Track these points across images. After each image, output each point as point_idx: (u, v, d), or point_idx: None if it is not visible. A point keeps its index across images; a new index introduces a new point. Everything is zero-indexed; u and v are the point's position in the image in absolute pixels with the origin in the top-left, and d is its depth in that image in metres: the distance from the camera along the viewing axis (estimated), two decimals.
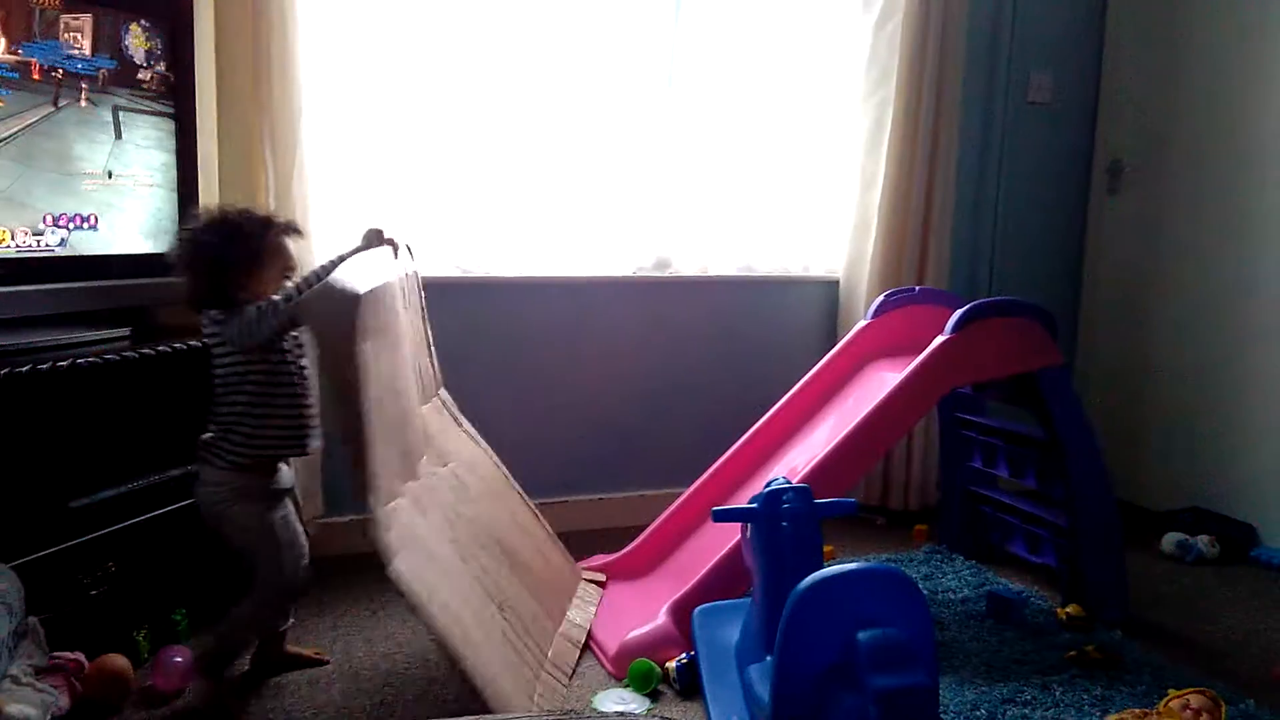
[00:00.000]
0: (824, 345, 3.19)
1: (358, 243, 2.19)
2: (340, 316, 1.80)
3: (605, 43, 3.07)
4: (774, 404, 2.83)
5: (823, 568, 1.66)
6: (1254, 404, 3.17)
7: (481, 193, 2.98)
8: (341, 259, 2.08)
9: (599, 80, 3.08)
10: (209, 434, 2.01)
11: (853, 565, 1.64)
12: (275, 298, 1.94)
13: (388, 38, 2.82)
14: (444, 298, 2.92)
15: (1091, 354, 3.77)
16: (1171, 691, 1.98)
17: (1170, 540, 3.10)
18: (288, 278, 2.03)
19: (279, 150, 2.59)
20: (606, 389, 3.16)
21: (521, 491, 2.61)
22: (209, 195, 2.50)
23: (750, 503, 1.97)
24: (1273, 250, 3.12)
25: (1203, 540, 3.06)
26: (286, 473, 2.10)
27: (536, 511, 2.62)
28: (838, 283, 3.41)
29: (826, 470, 2.33)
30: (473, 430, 2.56)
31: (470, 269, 2.99)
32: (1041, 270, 3.74)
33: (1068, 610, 2.52)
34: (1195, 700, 1.91)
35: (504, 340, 3.00)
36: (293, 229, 2.05)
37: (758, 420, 2.82)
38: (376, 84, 2.83)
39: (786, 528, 1.90)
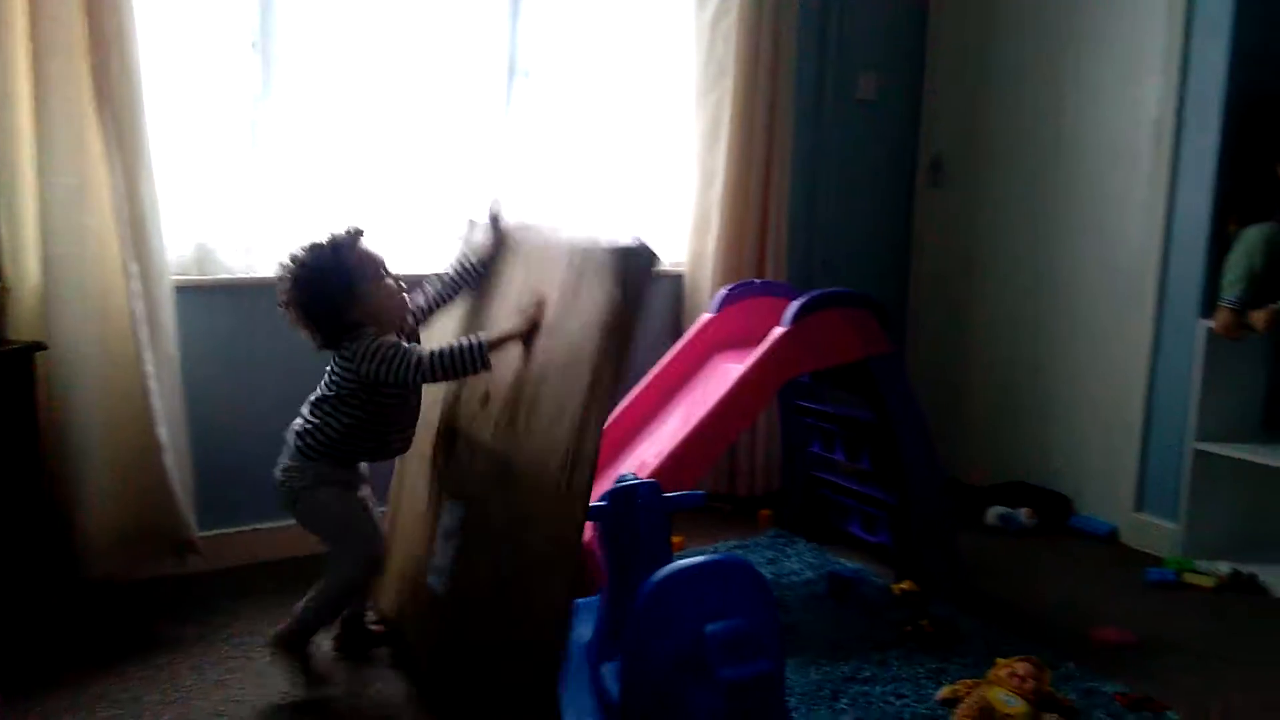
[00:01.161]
0: (671, 338, 3.22)
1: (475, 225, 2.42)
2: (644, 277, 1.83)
3: (446, 33, 3.01)
4: (622, 399, 2.84)
5: (673, 561, 1.69)
6: (1067, 384, 3.41)
7: (319, 186, 2.88)
8: (470, 264, 2.30)
9: (438, 72, 3.01)
10: (301, 421, 2.14)
11: (699, 559, 1.67)
12: (428, 351, 2.01)
13: (222, 24, 2.69)
14: (263, 298, 2.80)
15: (919, 341, 3.96)
16: (1000, 660, 2.08)
17: (994, 513, 3.29)
18: (385, 275, 2.11)
19: (126, 147, 2.42)
20: None
21: None
22: (19, 196, 2.34)
23: (600, 500, 1.98)
24: (1077, 241, 3.36)
25: (1023, 512, 3.27)
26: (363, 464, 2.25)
27: None
28: (682, 276, 3.47)
29: (675, 464, 2.36)
30: None
31: None
32: (871, 261, 3.91)
33: (902, 586, 2.64)
34: (1021, 667, 2.02)
35: None
36: (357, 233, 2.10)
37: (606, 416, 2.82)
38: (214, 74, 2.70)
39: (636, 524, 1.92)
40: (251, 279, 2.77)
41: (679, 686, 1.61)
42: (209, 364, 2.72)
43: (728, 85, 3.30)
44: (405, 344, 2.06)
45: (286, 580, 2.66)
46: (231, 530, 2.81)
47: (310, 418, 2.13)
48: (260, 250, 2.80)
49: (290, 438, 2.15)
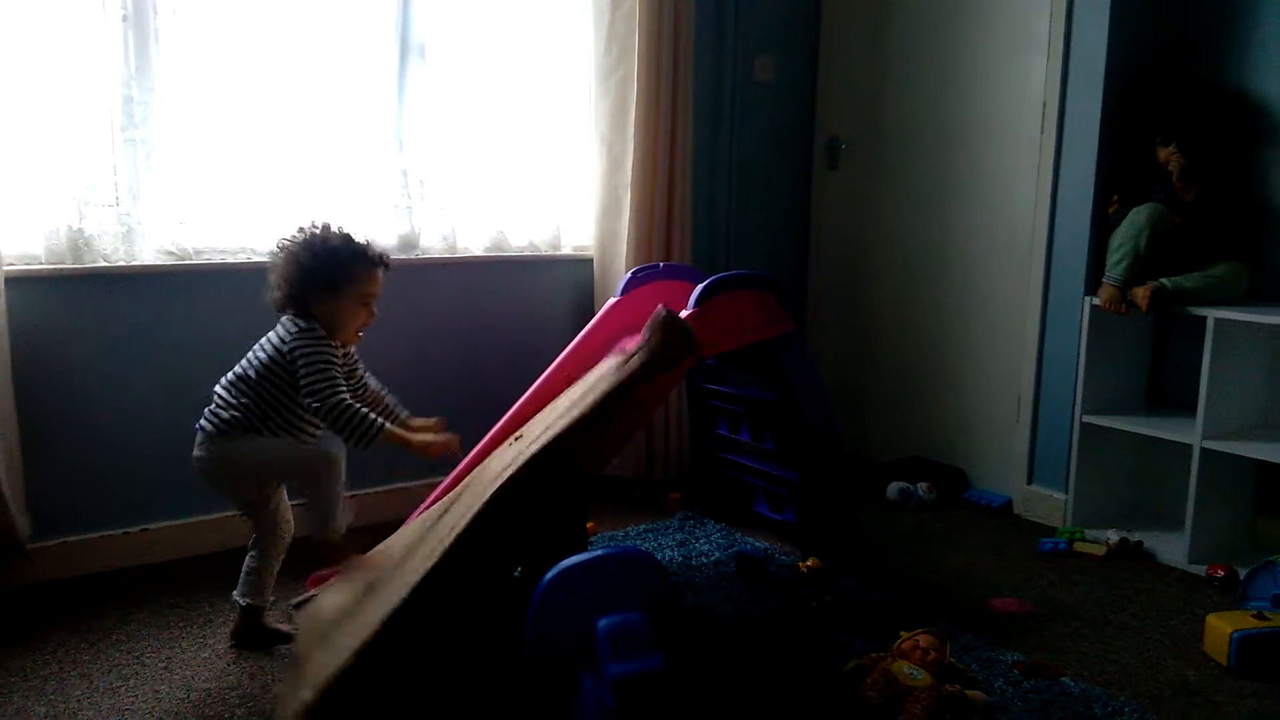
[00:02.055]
0: (582, 323, 3.19)
1: None
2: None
3: (338, 8, 2.90)
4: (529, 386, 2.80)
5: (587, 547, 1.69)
6: (961, 361, 3.50)
7: (199, 168, 2.75)
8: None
9: (330, 49, 2.90)
10: (217, 405, 2.15)
11: (596, 552, 1.69)
12: (343, 399, 2.11)
13: None
14: (152, 286, 2.69)
15: (819, 320, 4.02)
16: (903, 634, 2.13)
17: (894, 489, 3.36)
18: (367, 304, 2.21)
19: None
20: None
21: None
22: None
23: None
24: (970, 219, 3.44)
25: (922, 487, 3.35)
26: None
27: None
28: (592, 260, 3.43)
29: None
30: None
31: (185, 252, 2.75)
32: (773, 242, 3.94)
33: (808, 563, 2.68)
34: (924, 640, 2.07)
35: (227, 332, 2.76)
36: (384, 262, 2.23)
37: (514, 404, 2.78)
38: (82, 51, 2.54)
39: None
40: (120, 267, 2.64)
41: (575, 677, 1.63)
42: (64, 361, 2.59)
43: (632, 66, 3.27)
44: (337, 375, 2.14)
45: (173, 581, 2.60)
46: (119, 532, 2.69)
47: (227, 398, 2.16)
48: (143, 236, 2.67)
49: (207, 423, 2.16)
